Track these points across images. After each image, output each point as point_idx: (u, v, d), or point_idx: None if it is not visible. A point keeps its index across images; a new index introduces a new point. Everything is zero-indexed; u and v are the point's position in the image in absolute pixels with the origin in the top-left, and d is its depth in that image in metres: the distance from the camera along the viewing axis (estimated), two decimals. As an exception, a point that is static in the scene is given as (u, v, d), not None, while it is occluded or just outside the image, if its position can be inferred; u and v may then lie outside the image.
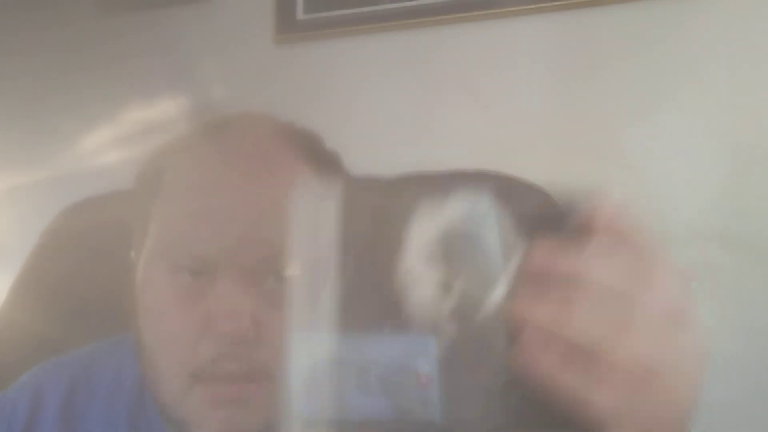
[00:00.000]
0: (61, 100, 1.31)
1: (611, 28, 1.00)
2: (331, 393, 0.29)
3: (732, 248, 0.89)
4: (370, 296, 0.30)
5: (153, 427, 0.55)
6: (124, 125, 1.26)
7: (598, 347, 0.30)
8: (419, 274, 0.30)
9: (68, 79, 1.31)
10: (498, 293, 0.30)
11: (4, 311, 0.78)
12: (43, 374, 0.59)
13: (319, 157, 0.54)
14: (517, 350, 0.30)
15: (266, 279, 0.48)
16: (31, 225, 0.87)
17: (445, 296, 0.30)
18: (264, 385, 0.48)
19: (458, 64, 1.08)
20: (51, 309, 0.76)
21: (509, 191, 0.83)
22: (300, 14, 1.18)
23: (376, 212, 0.32)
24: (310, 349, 0.29)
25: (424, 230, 0.30)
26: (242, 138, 0.53)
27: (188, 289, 0.49)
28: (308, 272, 0.29)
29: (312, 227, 0.30)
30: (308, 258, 0.29)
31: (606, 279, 0.31)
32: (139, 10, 1.29)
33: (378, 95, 1.11)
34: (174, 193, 0.51)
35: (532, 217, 0.32)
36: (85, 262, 0.79)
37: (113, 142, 1.26)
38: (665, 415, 0.32)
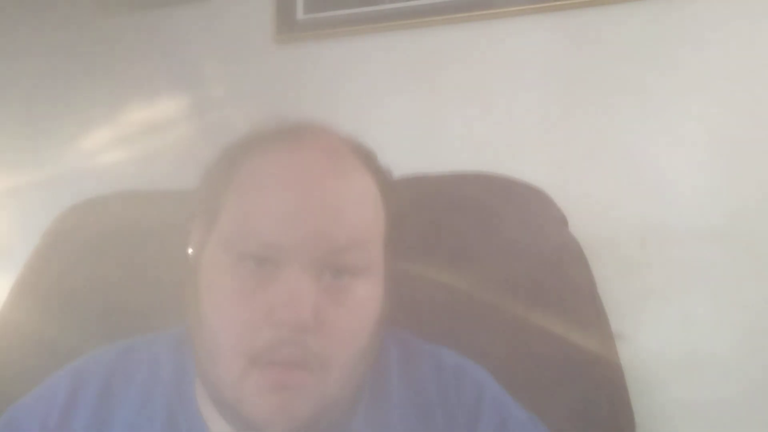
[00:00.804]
0: (61, 101, 1.31)
1: (611, 28, 1.00)
2: None
3: (731, 248, 0.90)
4: None
5: (191, 418, 0.58)
6: (124, 125, 1.26)
7: None
8: None
9: (68, 79, 1.31)
10: None
11: (4, 311, 0.78)
12: (84, 362, 0.62)
13: (378, 167, 0.59)
14: None
15: (325, 273, 0.52)
16: (32, 225, 0.87)
17: None
18: (317, 375, 0.51)
19: (458, 64, 1.08)
20: (51, 309, 0.77)
21: (509, 192, 0.83)
22: (300, 14, 1.18)
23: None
24: None
25: None
26: (316, 142, 0.57)
27: (253, 276, 0.52)
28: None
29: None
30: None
31: None
32: (139, 10, 1.29)
33: (378, 95, 1.12)
34: (249, 187, 0.54)
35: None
36: (85, 262, 0.79)
37: (113, 142, 1.26)
38: None
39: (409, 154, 0.92)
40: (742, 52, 0.94)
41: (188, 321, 0.56)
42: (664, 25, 0.98)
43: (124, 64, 1.26)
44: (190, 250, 0.58)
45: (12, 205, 1.29)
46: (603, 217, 0.94)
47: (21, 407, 0.59)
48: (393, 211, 0.58)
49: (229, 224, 0.54)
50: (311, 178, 0.54)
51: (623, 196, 0.95)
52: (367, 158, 0.58)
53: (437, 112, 1.07)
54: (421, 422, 0.59)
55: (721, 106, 0.93)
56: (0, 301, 0.80)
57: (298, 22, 1.18)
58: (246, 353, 0.51)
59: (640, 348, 0.88)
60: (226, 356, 0.52)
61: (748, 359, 0.86)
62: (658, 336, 0.89)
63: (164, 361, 0.61)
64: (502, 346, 0.71)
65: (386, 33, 1.13)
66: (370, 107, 1.11)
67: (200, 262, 0.56)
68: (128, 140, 1.25)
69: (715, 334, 0.87)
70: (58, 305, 0.76)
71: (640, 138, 0.96)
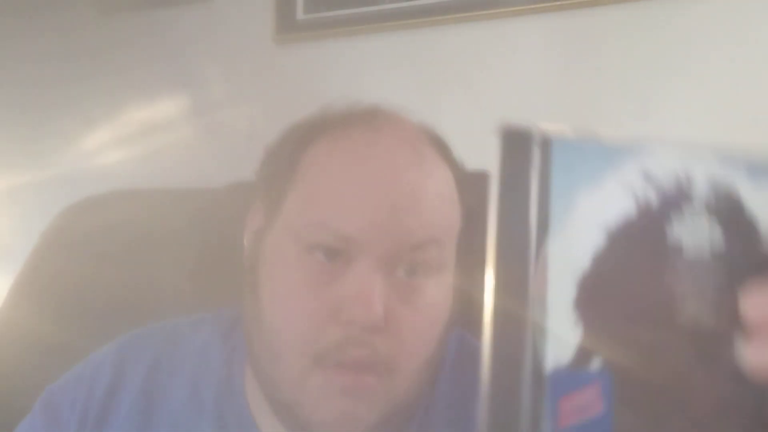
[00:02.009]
0: (61, 100, 1.31)
1: (611, 28, 1.00)
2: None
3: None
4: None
5: (240, 412, 0.54)
6: (124, 125, 1.26)
7: None
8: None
9: (68, 79, 1.31)
10: None
11: (4, 311, 0.78)
12: (128, 345, 0.58)
13: (454, 159, 0.55)
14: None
15: (398, 270, 0.48)
16: (32, 225, 0.87)
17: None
18: (384, 380, 0.47)
19: (458, 64, 1.08)
20: (51, 309, 0.76)
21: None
22: (300, 14, 1.18)
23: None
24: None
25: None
26: (392, 128, 0.53)
27: (321, 269, 0.48)
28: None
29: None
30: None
31: None
32: (139, 10, 1.29)
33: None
34: (321, 173, 0.50)
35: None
36: (85, 262, 0.79)
37: (113, 142, 1.26)
38: None
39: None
40: (743, 52, 0.94)
41: (245, 314, 0.53)
42: (664, 25, 0.98)
43: (124, 64, 1.26)
44: (246, 239, 0.54)
45: (12, 204, 1.29)
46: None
47: (61, 389, 0.56)
48: (467, 207, 0.53)
49: (296, 212, 0.50)
50: (389, 167, 0.49)
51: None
52: (443, 149, 0.54)
53: (436, 111, 1.07)
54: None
55: (721, 106, 0.93)
56: (-1, 300, 0.80)
57: (298, 22, 1.18)
58: (310, 352, 0.47)
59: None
60: (288, 354, 0.48)
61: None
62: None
63: (213, 350, 0.57)
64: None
65: (386, 33, 1.13)
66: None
67: (260, 251, 0.52)
68: (128, 140, 1.25)
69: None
70: (58, 304, 0.76)
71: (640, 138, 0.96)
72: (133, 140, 1.24)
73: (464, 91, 1.07)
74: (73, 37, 1.32)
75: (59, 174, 1.25)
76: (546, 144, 0.28)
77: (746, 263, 0.29)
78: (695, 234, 0.29)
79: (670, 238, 0.29)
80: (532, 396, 0.27)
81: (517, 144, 0.28)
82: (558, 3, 1.03)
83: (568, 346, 0.28)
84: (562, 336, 0.28)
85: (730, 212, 0.29)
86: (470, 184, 0.53)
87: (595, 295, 0.28)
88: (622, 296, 0.29)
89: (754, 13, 0.94)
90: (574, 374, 0.27)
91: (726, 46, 0.94)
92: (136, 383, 0.55)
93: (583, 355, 0.28)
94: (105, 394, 0.55)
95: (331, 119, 0.54)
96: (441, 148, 0.54)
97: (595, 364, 0.28)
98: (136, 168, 1.21)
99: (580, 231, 0.28)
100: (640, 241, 0.29)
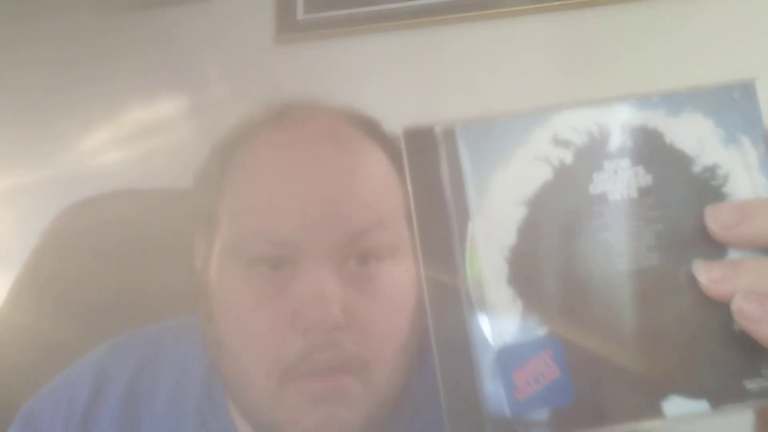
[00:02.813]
0: (60, 100, 1.31)
1: (611, 28, 1.00)
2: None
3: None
4: None
5: (221, 421, 0.53)
6: (124, 125, 1.26)
7: None
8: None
9: (68, 79, 1.31)
10: None
11: (4, 311, 0.78)
12: (109, 353, 0.57)
13: (384, 135, 0.53)
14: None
15: (348, 263, 0.46)
16: (31, 225, 0.87)
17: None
18: (361, 376, 0.45)
19: (458, 64, 1.08)
20: (51, 309, 0.76)
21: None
22: (300, 14, 1.18)
23: None
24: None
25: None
26: (310, 119, 0.52)
27: (268, 281, 0.46)
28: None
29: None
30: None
31: None
32: (139, 9, 1.29)
33: (378, 95, 1.11)
34: (243, 184, 0.49)
35: None
36: (85, 262, 0.79)
37: (113, 142, 1.26)
38: None
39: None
40: (742, 52, 0.94)
41: (207, 345, 0.51)
42: (663, 25, 0.98)
43: (123, 63, 1.26)
44: (197, 265, 0.52)
45: (12, 204, 1.29)
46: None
47: (40, 404, 0.55)
48: None
49: (230, 228, 0.48)
50: (312, 160, 0.47)
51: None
52: (371, 127, 0.53)
53: (436, 111, 1.07)
54: None
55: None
56: (-1, 300, 0.80)
57: (298, 22, 1.18)
58: (277, 368, 0.45)
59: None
60: (255, 376, 0.46)
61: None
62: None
63: (194, 360, 0.56)
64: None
65: (386, 33, 1.13)
66: (370, 107, 1.11)
67: (208, 276, 0.50)
68: (128, 140, 1.24)
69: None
70: (57, 304, 0.76)
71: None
72: (132, 140, 1.24)
73: (464, 91, 1.07)
74: (72, 37, 1.32)
75: (59, 174, 1.25)
76: (449, 135, 0.29)
77: (678, 190, 0.30)
78: (618, 180, 0.29)
79: (592, 190, 0.29)
80: (485, 375, 0.28)
81: (420, 141, 0.29)
82: (558, 3, 1.03)
83: (511, 322, 0.29)
84: (503, 313, 0.28)
85: (651, 149, 0.30)
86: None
87: (526, 266, 0.29)
88: (553, 259, 0.29)
89: (754, 13, 0.94)
90: (521, 346, 0.28)
91: (726, 46, 0.94)
92: (117, 396, 0.54)
93: (526, 327, 0.29)
94: (85, 408, 0.54)
95: (246, 127, 0.52)
96: (368, 127, 0.53)
97: (541, 332, 0.29)
98: (136, 168, 1.20)
99: (500, 208, 0.29)
100: (561, 202, 0.29)
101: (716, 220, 0.29)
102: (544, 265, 0.29)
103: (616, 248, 0.29)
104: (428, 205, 0.29)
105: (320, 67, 1.16)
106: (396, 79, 1.11)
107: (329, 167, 0.48)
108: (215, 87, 1.21)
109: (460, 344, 0.28)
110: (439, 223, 0.29)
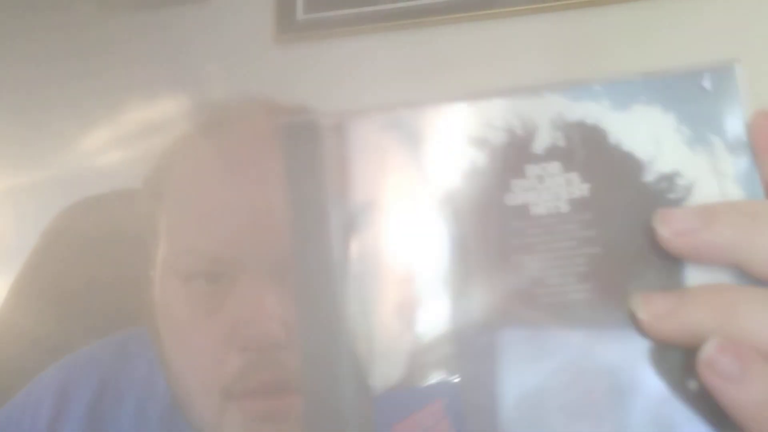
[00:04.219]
0: (60, 100, 1.31)
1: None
2: None
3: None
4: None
5: (187, 429, 0.50)
6: (124, 125, 1.26)
7: None
8: None
9: (68, 79, 1.31)
10: None
11: (3, 311, 0.78)
12: (70, 370, 0.55)
13: None
14: None
15: (287, 275, 0.43)
16: (31, 225, 0.87)
17: None
18: None
19: (458, 64, 1.08)
20: (50, 309, 0.76)
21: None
22: (300, 14, 1.18)
23: None
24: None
25: None
26: (244, 128, 0.49)
27: (205, 296, 0.44)
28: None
29: None
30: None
31: None
32: (139, 9, 1.29)
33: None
34: (179, 196, 0.47)
35: None
36: (85, 262, 0.79)
37: (113, 142, 1.26)
38: None
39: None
40: (742, 52, 0.94)
41: (158, 361, 0.50)
42: (663, 25, 0.98)
43: (123, 63, 1.26)
44: (151, 272, 0.51)
45: (11, 204, 1.29)
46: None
47: (4, 421, 0.53)
48: None
49: (168, 242, 0.47)
50: (248, 167, 0.45)
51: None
52: None
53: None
54: None
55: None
56: (-1, 300, 0.80)
57: (298, 22, 1.18)
58: (216, 387, 0.43)
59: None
60: (197, 395, 0.45)
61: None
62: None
63: (160, 372, 0.53)
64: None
65: (386, 33, 1.13)
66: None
67: (153, 289, 0.49)
68: (128, 140, 1.24)
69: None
70: (57, 304, 0.76)
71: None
72: (133, 140, 1.24)
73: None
74: (72, 37, 1.32)
75: (59, 174, 1.25)
76: (338, 130, 0.24)
77: (622, 204, 0.23)
78: (544, 189, 0.23)
79: (509, 201, 0.23)
80: (356, 425, 0.22)
81: (300, 139, 0.24)
82: (558, 3, 1.03)
83: (397, 362, 0.22)
84: (388, 350, 0.22)
85: (589, 151, 0.23)
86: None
87: (420, 291, 0.23)
88: (456, 284, 0.23)
89: (754, 13, 0.94)
90: (408, 393, 0.22)
91: (726, 46, 0.94)
92: (79, 413, 0.52)
93: (417, 368, 0.22)
94: (47, 425, 0.52)
95: (184, 135, 0.50)
96: None
97: (435, 376, 0.22)
98: (136, 168, 1.20)
99: (400, 210, 0.23)
100: (469, 215, 0.23)
101: (669, 224, 0.22)
102: (444, 290, 0.23)
103: (535, 275, 0.22)
104: (306, 215, 0.23)
105: (320, 67, 1.16)
106: (396, 79, 1.11)
107: (266, 174, 0.43)
108: (215, 87, 1.21)
109: (329, 385, 0.22)
110: (318, 239, 0.23)
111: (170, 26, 1.26)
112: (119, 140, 1.25)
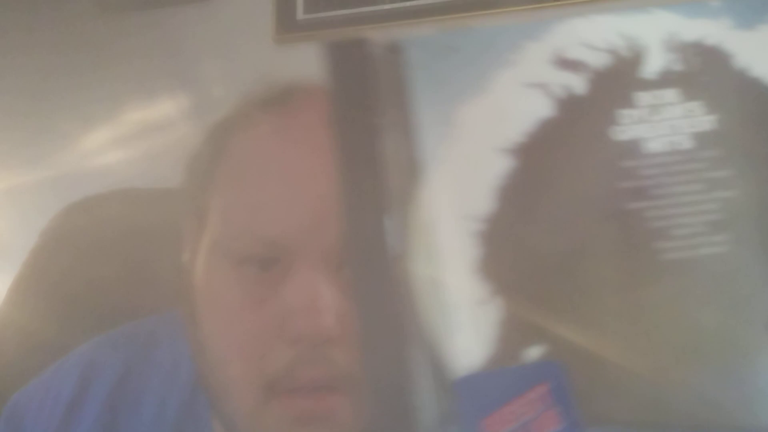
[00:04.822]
0: (60, 100, 1.31)
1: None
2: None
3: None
4: None
5: (202, 430, 0.49)
6: (124, 125, 1.26)
7: None
8: None
9: (68, 79, 1.31)
10: None
11: (3, 310, 0.78)
12: (97, 351, 0.54)
13: None
14: None
15: (345, 269, 0.40)
16: (31, 225, 0.87)
17: None
18: (351, 396, 0.40)
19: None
20: (50, 308, 0.76)
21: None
22: (300, 14, 1.18)
23: None
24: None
25: None
26: (308, 108, 0.46)
27: (258, 283, 0.42)
28: None
29: None
30: None
31: None
32: (139, 9, 1.29)
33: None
34: (236, 176, 0.45)
35: None
36: (84, 261, 0.79)
37: (113, 142, 1.26)
38: None
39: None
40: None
41: (191, 348, 0.47)
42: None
43: (123, 63, 1.26)
44: (183, 260, 0.49)
45: (11, 204, 1.29)
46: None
47: (27, 395, 0.53)
48: None
49: (220, 223, 0.44)
50: (314, 152, 0.41)
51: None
52: None
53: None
54: None
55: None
56: (-1, 300, 0.80)
57: (298, 22, 1.18)
58: (260, 380, 0.41)
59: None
60: (237, 387, 0.42)
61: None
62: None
63: (184, 363, 0.52)
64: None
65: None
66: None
67: (193, 275, 0.47)
68: (128, 140, 1.24)
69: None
70: (57, 303, 0.76)
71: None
72: (133, 140, 1.24)
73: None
74: (72, 36, 1.32)
75: (59, 174, 1.25)
76: (394, 52, 0.17)
77: (758, 139, 0.17)
78: (662, 121, 0.17)
79: (616, 135, 0.17)
80: (433, 420, 0.15)
81: (349, 61, 0.17)
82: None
83: (481, 336, 0.15)
84: (469, 321, 0.16)
85: (712, 77, 0.18)
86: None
87: (507, 246, 0.16)
88: (552, 238, 0.16)
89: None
90: (497, 377, 0.16)
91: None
92: (102, 394, 0.51)
93: (507, 344, 0.16)
94: (69, 403, 0.51)
95: (246, 109, 0.48)
96: None
97: (532, 352, 0.16)
98: (136, 168, 1.20)
99: (470, 157, 0.17)
100: (566, 152, 0.17)
101: None
102: (536, 245, 0.17)
103: (654, 226, 0.17)
104: (355, 154, 0.17)
105: (320, 67, 1.16)
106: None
107: (327, 161, 0.41)
108: (215, 86, 1.21)
109: (395, 372, 0.16)
110: (369, 181, 0.17)
111: (169, 26, 1.26)
112: (119, 140, 1.25)
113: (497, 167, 0.17)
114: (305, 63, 1.33)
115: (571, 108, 0.17)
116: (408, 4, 1.11)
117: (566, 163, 0.17)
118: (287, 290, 0.41)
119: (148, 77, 1.24)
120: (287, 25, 1.18)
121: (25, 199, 1.27)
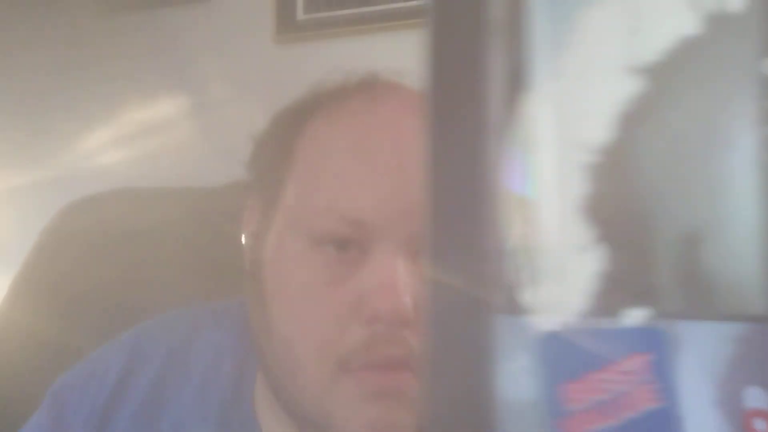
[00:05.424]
0: (60, 100, 1.31)
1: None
2: None
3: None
4: None
5: (245, 421, 0.50)
6: (123, 125, 1.26)
7: None
8: None
9: (68, 79, 1.31)
10: None
11: (3, 310, 0.78)
12: (145, 336, 0.54)
13: None
14: None
15: (420, 254, 0.41)
16: (31, 225, 0.87)
17: None
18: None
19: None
20: (50, 308, 0.76)
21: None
22: (300, 14, 1.18)
23: None
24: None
25: None
26: (391, 96, 0.47)
27: (334, 263, 0.42)
28: None
29: None
30: None
31: None
32: (139, 9, 1.29)
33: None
34: (318, 155, 0.45)
35: None
36: (84, 261, 0.79)
37: (113, 142, 1.26)
38: None
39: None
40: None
41: (252, 326, 0.48)
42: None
43: (123, 63, 1.26)
44: (244, 241, 0.49)
45: (11, 204, 1.29)
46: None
47: (71, 378, 0.53)
48: None
49: (298, 201, 0.45)
50: (398, 138, 0.43)
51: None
52: None
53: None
54: None
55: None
56: (-1, 299, 0.80)
57: (298, 22, 1.18)
58: (333, 357, 0.41)
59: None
60: (307, 364, 0.43)
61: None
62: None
63: (227, 349, 0.52)
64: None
65: (386, 33, 1.13)
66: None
67: (262, 253, 0.46)
68: (128, 140, 1.24)
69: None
70: (56, 303, 0.76)
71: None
72: (132, 140, 1.24)
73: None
74: (72, 37, 1.32)
75: (59, 174, 1.25)
76: None
77: None
78: None
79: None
80: (506, 382, 0.14)
81: None
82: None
83: (581, 290, 0.14)
84: (574, 270, 0.14)
85: None
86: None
87: (623, 184, 0.14)
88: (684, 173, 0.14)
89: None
90: (592, 338, 0.14)
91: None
92: (147, 379, 0.52)
93: (610, 301, 0.14)
94: (114, 387, 0.51)
95: (326, 94, 0.49)
96: None
97: (637, 315, 0.14)
98: (136, 168, 1.20)
99: (596, 76, 0.15)
100: (705, 79, 0.14)
101: None
102: (654, 189, 0.14)
103: None
104: (450, 71, 0.15)
105: (320, 67, 1.16)
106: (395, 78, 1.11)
107: (410, 147, 0.42)
108: (215, 87, 1.21)
109: (471, 322, 0.14)
110: (466, 103, 0.15)
111: (170, 26, 1.26)
112: (119, 140, 1.25)
113: (621, 89, 0.14)
114: (305, 63, 1.34)
115: (720, 27, 0.14)
116: (407, 4, 1.11)
117: (704, 96, 0.14)
118: (367, 270, 0.41)
119: (148, 77, 1.25)
120: (287, 25, 1.18)
121: (26, 200, 1.27)
